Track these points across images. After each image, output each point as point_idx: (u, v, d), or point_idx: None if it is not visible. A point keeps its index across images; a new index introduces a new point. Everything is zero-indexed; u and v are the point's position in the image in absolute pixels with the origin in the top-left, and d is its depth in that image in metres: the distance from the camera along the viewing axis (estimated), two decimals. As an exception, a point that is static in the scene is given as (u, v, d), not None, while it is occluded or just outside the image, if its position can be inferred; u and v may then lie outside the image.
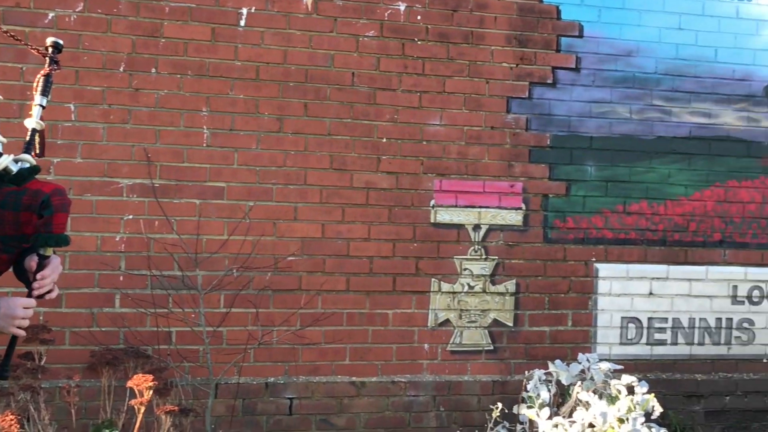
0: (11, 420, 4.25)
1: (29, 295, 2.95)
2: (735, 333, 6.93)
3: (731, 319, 6.93)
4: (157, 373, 5.19)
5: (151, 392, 4.66)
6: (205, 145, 6.10)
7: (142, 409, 4.61)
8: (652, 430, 5.11)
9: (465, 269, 6.49)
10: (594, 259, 6.72)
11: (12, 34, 3.38)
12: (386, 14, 6.37)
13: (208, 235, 6.09)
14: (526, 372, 5.90)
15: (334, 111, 6.30)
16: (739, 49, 6.97)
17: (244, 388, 6.12)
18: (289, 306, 6.22)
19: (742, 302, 6.94)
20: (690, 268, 6.88)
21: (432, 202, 6.44)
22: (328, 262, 6.30)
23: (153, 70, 6.02)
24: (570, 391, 5.58)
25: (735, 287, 6.93)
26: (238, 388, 6.09)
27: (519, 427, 5.71)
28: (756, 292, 6.95)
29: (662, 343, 6.80)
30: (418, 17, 6.42)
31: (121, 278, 5.92)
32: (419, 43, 6.43)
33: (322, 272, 6.28)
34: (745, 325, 6.94)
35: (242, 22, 6.16)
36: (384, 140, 6.37)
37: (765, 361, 6.97)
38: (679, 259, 6.86)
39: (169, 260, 5.96)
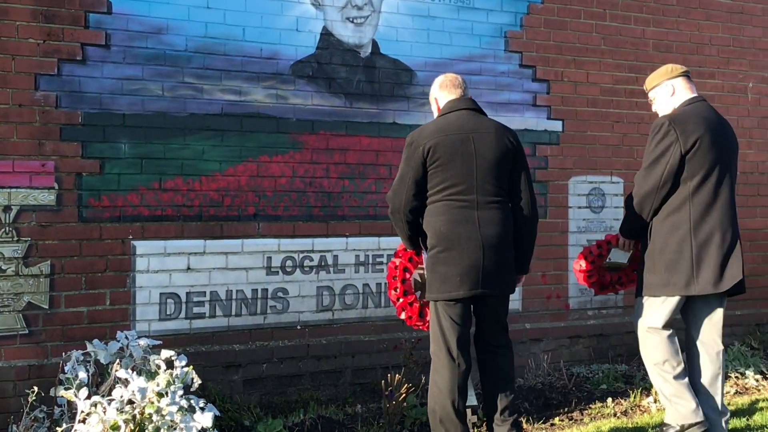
0: None
1: None
2: (270, 303, 7.20)
3: (267, 289, 7.18)
4: None
5: None
6: None
7: None
8: (191, 401, 5.22)
9: (-5, 252, 6.26)
10: (131, 237, 6.69)
11: None
12: None
13: None
14: (64, 354, 5.79)
15: None
16: (266, 28, 7.18)
17: None
18: None
19: (277, 273, 7.22)
20: (226, 242, 7.05)
21: (-43, 184, 6.14)
22: None
23: None
24: (109, 370, 5.56)
25: (269, 258, 7.19)
26: None
27: (57, 410, 5.62)
28: (289, 263, 7.26)
29: (201, 316, 6.94)
30: (-66, -12, 6.06)
31: None
32: (-64, 15, 6.08)
33: None
34: (280, 294, 7.23)
35: None
36: None
37: (299, 327, 7.30)
38: (215, 234, 7.01)
39: None
